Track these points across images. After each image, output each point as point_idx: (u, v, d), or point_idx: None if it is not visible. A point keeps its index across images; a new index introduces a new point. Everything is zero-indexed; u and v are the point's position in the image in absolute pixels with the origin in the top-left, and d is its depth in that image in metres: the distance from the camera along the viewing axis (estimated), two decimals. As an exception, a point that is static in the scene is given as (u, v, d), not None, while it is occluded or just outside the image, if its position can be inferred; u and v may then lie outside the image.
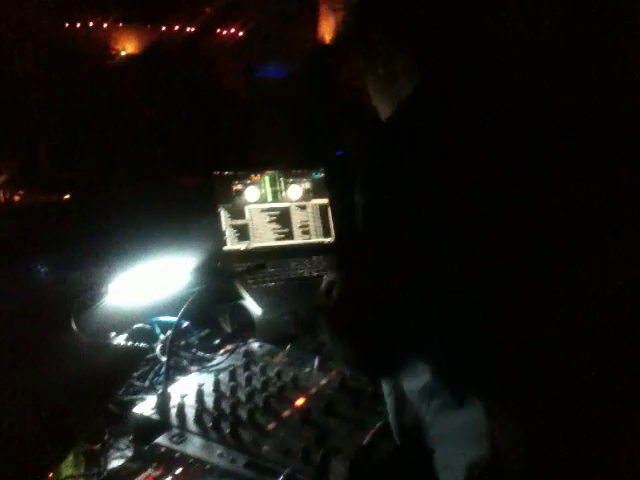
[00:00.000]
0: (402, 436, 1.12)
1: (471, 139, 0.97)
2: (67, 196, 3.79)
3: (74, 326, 1.42)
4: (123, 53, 7.46)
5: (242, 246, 1.97)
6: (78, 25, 7.23)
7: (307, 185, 2.10)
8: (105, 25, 7.35)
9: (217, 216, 1.96)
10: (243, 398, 1.26)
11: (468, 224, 0.94)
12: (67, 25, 7.17)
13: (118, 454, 1.19)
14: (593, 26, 1.10)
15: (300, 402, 1.27)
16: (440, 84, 1.04)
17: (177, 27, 7.35)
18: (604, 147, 1.00)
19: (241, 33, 7.17)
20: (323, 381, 1.36)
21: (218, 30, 7.29)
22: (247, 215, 2.00)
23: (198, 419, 1.18)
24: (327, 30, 6.30)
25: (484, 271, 0.93)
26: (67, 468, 1.14)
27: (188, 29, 7.36)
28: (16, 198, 4.00)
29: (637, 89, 1.07)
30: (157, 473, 1.01)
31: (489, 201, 0.94)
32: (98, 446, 1.19)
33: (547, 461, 0.91)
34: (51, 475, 1.07)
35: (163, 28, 7.38)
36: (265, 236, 2.01)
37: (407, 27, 1.11)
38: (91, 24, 7.28)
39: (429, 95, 1.05)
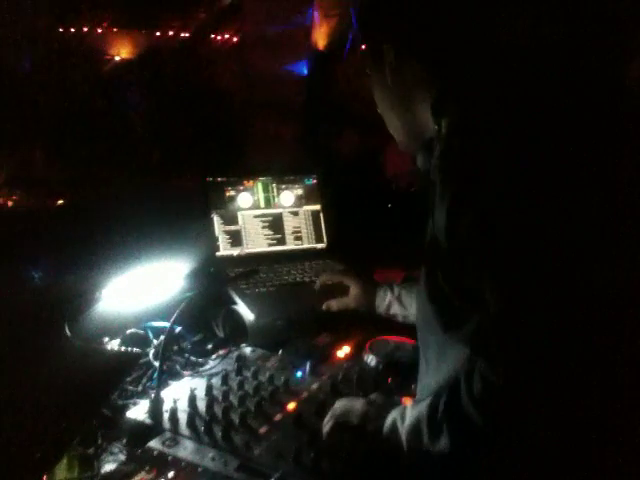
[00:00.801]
0: None
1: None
2: (61, 201, 3.79)
3: (68, 331, 1.43)
4: (117, 58, 7.46)
5: (235, 252, 1.98)
6: (72, 30, 7.23)
7: (299, 191, 2.11)
8: (99, 30, 7.35)
9: (210, 222, 1.97)
10: (235, 402, 1.28)
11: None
12: (61, 29, 7.18)
13: (111, 458, 1.20)
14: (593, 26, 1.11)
15: (292, 406, 1.29)
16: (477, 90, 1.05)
17: (172, 32, 7.35)
18: None
19: (236, 39, 7.19)
20: (314, 385, 1.38)
21: (213, 35, 7.30)
22: (240, 221, 2.02)
23: (191, 423, 1.20)
24: (321, 36, 6.33)
25: None
26: (61, 472, 1.15)
27: (183, 34, 7.37)
28: (9, 203, 3.99)
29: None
30: (150, 476, 1.02)
31: None
32: (92, 450, 1.20)
33: None
34: (45, 478, 1.08)
35: (158, 33, 7.38)
36: (258, 242, 2.03)
37: (417, 36, 1.11)
38: (85, 29, 7.29)
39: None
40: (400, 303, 1.59)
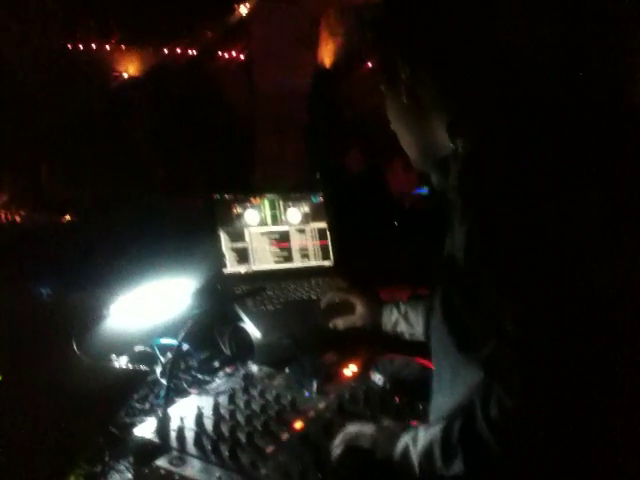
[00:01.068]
0: None
1: None
2: (68, 217, 3.81)
3: (75, 348, 1.43)
4: (125, 75, 7.52)
5: (242, 269, 1.98)
6: (81, 46, 7.30)
7: (306, 209, 2.12)
8: (107, 47, 7.42)
9: (217, 238, 1.98)
10: (242, 421, 1.27)
11: None
12: (69, 46, 7.25)
13: (118, 476, 1.20)
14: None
15: (299, 425, 1.28)
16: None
17: (179, 49, 7.42)
18: None
19: (242, 56, 7.24)
20: (321, 404, 1.37)
21: (220, 52, 7.36)
22: (247, 238, 2.02)
23: (197, 442, 1.19)
24: (328, 54, 6.38)
25: None
26: (67, 490, 1.15)
27: (190, 52, 7.43)
28: (17, 218, 4.01)
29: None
30: (157, 495, 1.02)
31: None
32: (98, 468, 1.20)
33: None
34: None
35: (165, 50, 7.45)
36: (265, 259, 2.03)
37: (432, 54, 1.10)
38: (93, 46, 7.36)
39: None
40: (407, 321, 1.58)
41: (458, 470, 0.97)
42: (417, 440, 1.04)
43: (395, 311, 1.61)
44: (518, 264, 0.92)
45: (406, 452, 1.05)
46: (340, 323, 1.67)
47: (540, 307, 0.91)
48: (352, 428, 1.17)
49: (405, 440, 1.07)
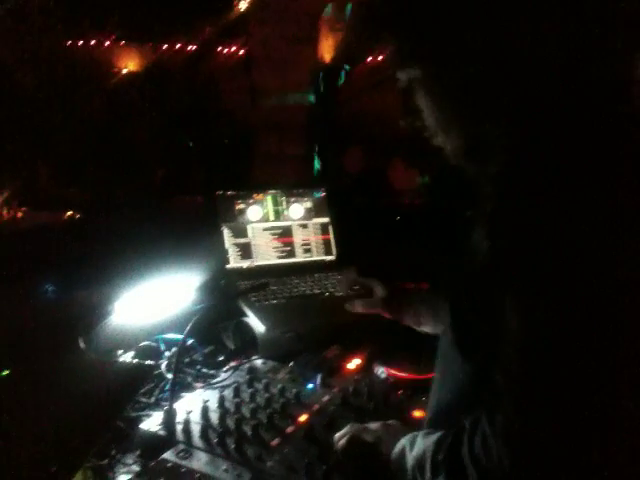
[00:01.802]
0: None
1: None
2: (69, 213, 3.82)
3: (82, 344, 1.44)
4: (125, 71, 7.52)
5: (245, 264, 2.00)
6: (80, 43, 7.30)
7: (308, 204, 2.13)
8: (107, 43, 7.42)
9: (220, 235, 1.99)
10: (247, 414, 1.29)
11: None
12: (68, 43, 7.25)
13: (125, 469, 1.21)
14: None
15: (303, 418, 1.29)
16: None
17: (179, 45, 7.41)
18: None
19: (242, 52, 7.24)
20: (325, 398, 1.39)
21: (219, 49, 7.36)
22: (249, 234, 2.03)
23: (204, 435, 1.21)
24: (327, 50, 6.38)
25: None
26: (75, 483, 1.16)
27: (189, 47, 7.42)
28: (18, 215, 4.02)
29: None
30: (164, 488, 1.03)
31: None
32: (105, 461, 1.21)
33: None
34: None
35: (165, 46, 7.44)
36: (267, 254, 2.04)
37: (468, 40, 1.00)
38: (92, 42, 7.36)
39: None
40: (432, 310, 1.52)
41: None
42: (414, 445, 1.04)
43: (418, 299, 1.57)
44: (557, 272, 0.87)
45: (402, 455, 1.05)
46: (359, 306, 1.62)
47: (549, 344, 0.86)
48: (358, 424, 1.19)
49: (403, 443, 1.07)
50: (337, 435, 1.18)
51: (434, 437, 1.01)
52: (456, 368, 1.06)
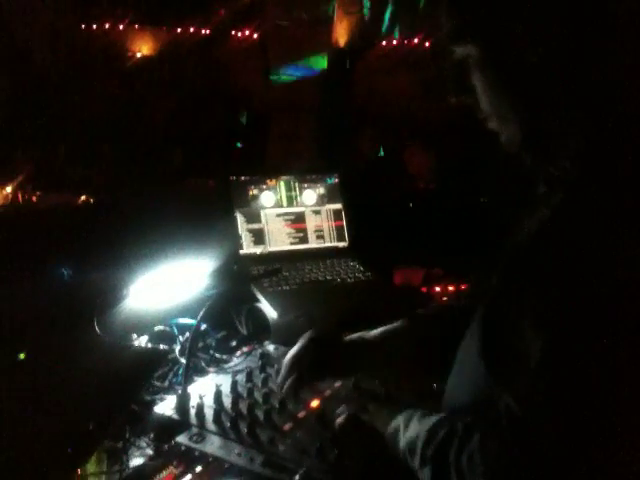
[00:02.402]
0: None
1: None
2: (83, 197, 3.85)
3: (97, 328, 1.46)
4: (139, 55, 7.52)
5: (258, 250, 2.01)
6: (94, 27, 7.30)
7: (321, 190, 2.13)
8: (121, 27, 7.42)
9: (233, 220, 2.00)
10: (260, 399, 1.30)
11: None
12: (84, 26, 7.25)
13: (139, 452, 1.23)
14: None
15: (315, 404, 1.30)
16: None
17: (192, 29, 7.40)
18: None
19: (256, 35, 7.21)
20: (337, 383, 1.39)
21: (233, 32, 7.33)
22: (263, 219, 2.04)
23: (217, 419, 1.22)
24: (342, 33, 6.34)
25: None
26: (90, 465, 1.18)
27: (203, 31, 7.40)
28: (34, 199, 4.05)
29: None
30: (178, 471, 1.05)
31: None
32: (120, 444, 1.23)
33: None
34: (79, 472, 1.11)
35: (179, 30, 7.43)
36: (280, 240, 2.05)
37: (549, 21, 0.92)
38: (107, 25, 7.36)
39: None
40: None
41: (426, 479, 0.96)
42: (408, 427, 1.03)
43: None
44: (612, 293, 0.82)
45: (397, 433, 1.05)
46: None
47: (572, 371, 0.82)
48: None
49: (398, 422, 1.06)
50: (337, 412, 1.19)
51: (429, 423, 1.00)
52: (475, 374, 1.03)
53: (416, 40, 6.37)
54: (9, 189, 4.01)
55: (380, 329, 1.39)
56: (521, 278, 0.91)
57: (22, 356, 1.35)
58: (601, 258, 0.83)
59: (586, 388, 0.82)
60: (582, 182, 0.90)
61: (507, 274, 0.97)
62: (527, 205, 1.04)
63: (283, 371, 1.29)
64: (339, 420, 1.17)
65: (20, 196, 3.99)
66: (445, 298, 1.95)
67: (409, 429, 1.03)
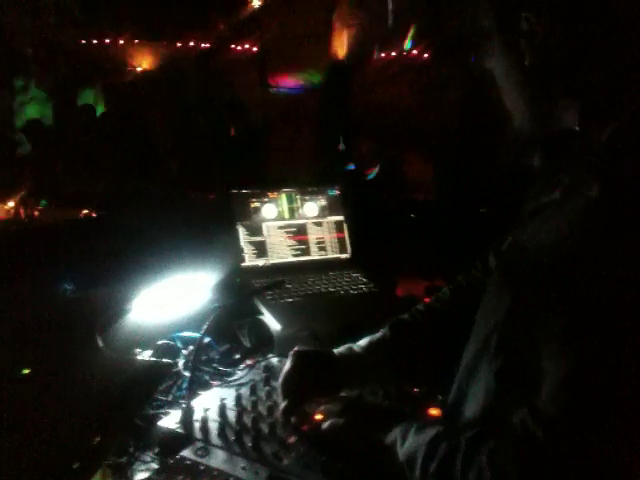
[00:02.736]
0: None
1: None
2: (85, 211, 3.86)
3: (100, 342, 1.46)
4: (139, 69, 7.57)
5: (260, 262, 2.01)
6: (95, 42, 7.36)
7: (323, 202, 2.14)
8: (121, 41, 7.48)
9: (235, 233, 2.00)
10: (264, 412, 1.29)
11: None
12: (83, 41, 7.31)
13: (144, 467, 1.22)
14: None
15: (319, 417, 1.30)
16: None
17: (192, 43, 7.45)
18: None
19: (255, 49, 7.26)
20: (341, 394, 1.39)
21: (232, 46, 7.38)
22: (264, 232, 2.04)
23: (221, 433, 1.21)
24: (340, 45, 6.38)
25: None
26: (94, 480, 1.17)
27: (203, 45, 7.46)
28: (35, 213, 4.06)
29: None
30: (183, 485, 1.04)
31: None
32: (124, 459, 1.22)
33: None
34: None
35: (178, 44, 7.49)
36: (282, 252, 2.05)
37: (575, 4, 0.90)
38: (107, 40, 7.41)
39: None
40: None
41: None
42: (405, 440, 1.02)
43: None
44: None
45: (393, 446, 1.04)
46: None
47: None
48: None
49: (395, 434, 1.05)
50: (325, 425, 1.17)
51: (426, 436, 0.99)
52: (483, 384, 1.01)
53: (415, 51, 6.41)
54: (11, 204, 4.02)
55: (366, 340, 1.40)
56: (547, 289, 0.86)
57: (25, 371, 1.35)
58: None
59: (614, 411, 0.79)
60: (616, 180, 0.84)
61: (527, 284, 0.92)
62: (532, 211, 1.02)
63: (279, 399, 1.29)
64: (325, 426, 1.16)
65: (22, 211, 4.00)
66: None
67: (405, 443, 1.02)
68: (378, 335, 1.41)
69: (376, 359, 1.36)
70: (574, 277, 0.82)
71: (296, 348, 1.36)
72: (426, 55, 6.38)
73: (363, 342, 1.40)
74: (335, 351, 1.38)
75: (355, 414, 1.18)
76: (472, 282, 1.46)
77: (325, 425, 1.16)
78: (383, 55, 6.40)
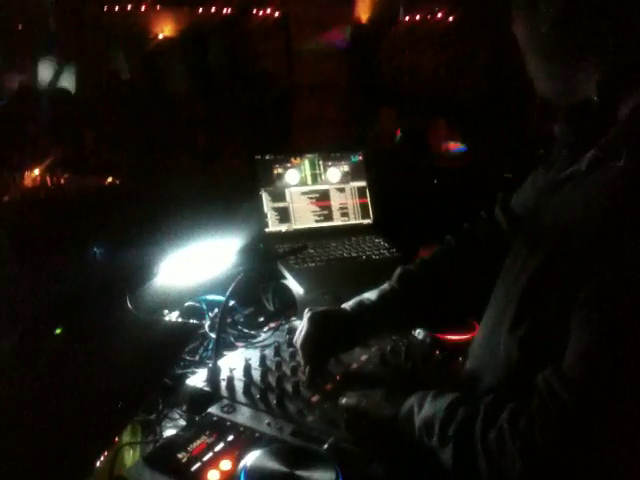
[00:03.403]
0: None
1: None
2: (110, 179, 3.91)
3: (129, 304, 1.50)
4: (161, 36, 7.54)
5: (283, 228, 2.03)
6: (117, 8, 7.34)
7: (345, 168, 2.14)
8: (143, 8, 7.44)
9: (259, 199, 2.02)
10: (288, 372, 1.33)
11: None
12: (106, 8, 7.29)
13: (172, 423, 1.27)
14: None
15: (341, 377, 1.33)
16: None
17: (214, 9, 7.39)
18: None
19: (277, 13, 7.18)
20: (363, 357, 1.42)
21: (255, 11, 7.30)
22: (288, 198, 2.06)
23: (246, 391, 1.25)
24: (364, 9, 6.28)
25: None
26: (125, 436, 1.22)
27: (225, 10, 7.39)
28: (62, 181, 4.12)
29: None
30: (210, 440, 1.08)
31: None
32: (153, 416, 1.27)
33: None
34: (116, 441, 1.16)
35: (200, 10, 7.43)
36: (305, 218, 2.07)
37: None
38: (129, 7, 7.39)
39: None
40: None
41: (446, 460, 0.94)
42: (422, 407, 1.02)
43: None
44: None
45: (410, 414, 1.03)
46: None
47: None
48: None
49: (411, 401, 1.05)
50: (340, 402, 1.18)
51: (444, 401, 0.99)
52: (504, 352, 1.01)
53: (440, 15, 6.30)
54: (37, 172, 4.08)
55: (375, 293, 1.41)
56: (582, 255, 0.87)
57: (58, 331, 1.40)
58: None
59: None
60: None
61: (558, 250, 0.92)
62: (557, 181, 1.01)
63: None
64: (349, 401, 1.17)
65: (49, 179, 4.06)
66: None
67: (424, 409, 1.02)
68: (387, 287, 1.42)
69: (388, 312, 1.38)
70: (607, 244, 0.83)
71: (309, 309, 1.38)
72: (451, 18, 6.27)
73: (372, 295, 1.40)
74: (346, 307, 1.39)
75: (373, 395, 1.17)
76: (477, 231, 1.47)
77: (343, 401, 1.18)
78: (407, 19, 6.30)
